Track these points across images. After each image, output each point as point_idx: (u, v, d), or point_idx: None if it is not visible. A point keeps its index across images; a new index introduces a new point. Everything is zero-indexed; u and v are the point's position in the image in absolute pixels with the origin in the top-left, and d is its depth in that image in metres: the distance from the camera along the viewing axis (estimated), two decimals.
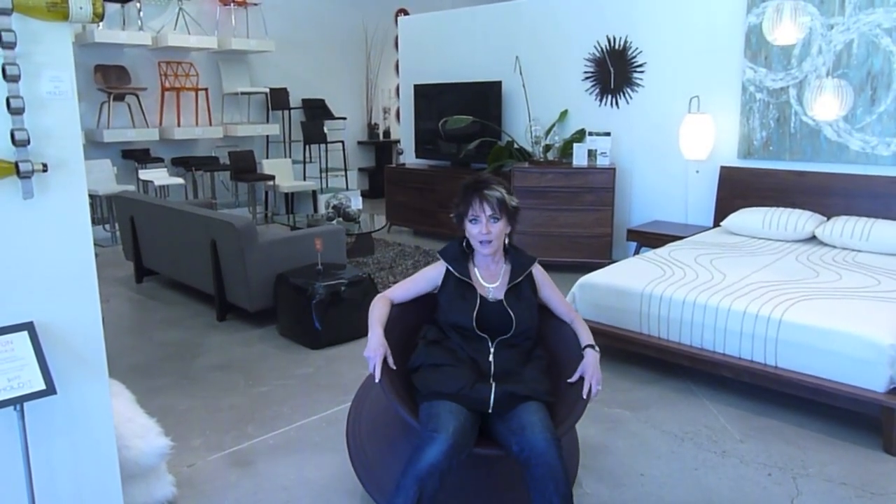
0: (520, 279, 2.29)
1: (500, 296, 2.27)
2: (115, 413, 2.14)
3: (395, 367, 2.16)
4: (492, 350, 2.21)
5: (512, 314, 2.23)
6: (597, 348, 2.30)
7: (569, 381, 2.24)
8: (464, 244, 2.33)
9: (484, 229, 2.18)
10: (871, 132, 4.40)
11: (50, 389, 1.73)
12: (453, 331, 2.26)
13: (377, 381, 2.10)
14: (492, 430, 2.11)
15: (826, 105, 4.10)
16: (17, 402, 1.69)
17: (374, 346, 2.15)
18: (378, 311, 2.27)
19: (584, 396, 2.16)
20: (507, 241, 2.33)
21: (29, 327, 1.77)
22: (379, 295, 2.37)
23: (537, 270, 2.39)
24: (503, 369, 2.18)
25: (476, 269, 2.31)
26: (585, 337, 2.33)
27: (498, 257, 2.31)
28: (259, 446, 2.87)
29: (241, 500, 2.49)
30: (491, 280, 2.30)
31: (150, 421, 2.44)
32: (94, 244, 1.97)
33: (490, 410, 2.07)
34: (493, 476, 2.23)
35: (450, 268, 2.29)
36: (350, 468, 2.43)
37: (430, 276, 2.35)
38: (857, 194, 4.43)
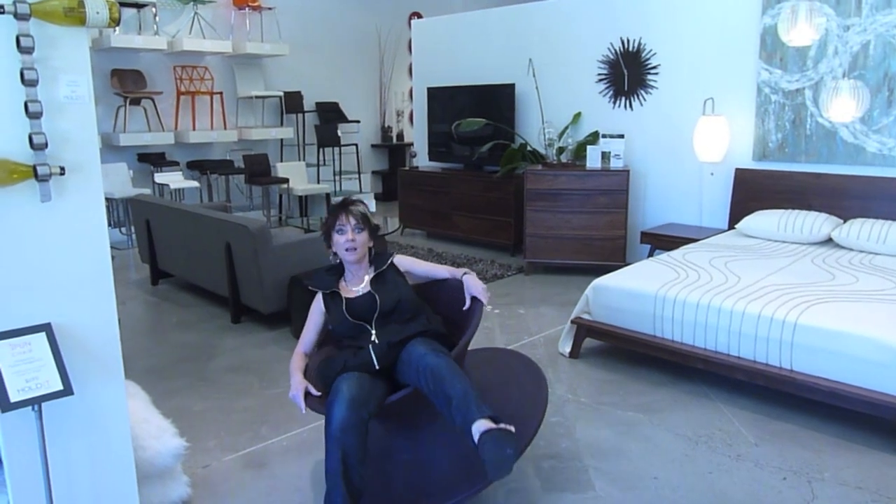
0: (382, 268, 2.56)
1: (368, 288, 2.51)
2: (131, 414, 2.16)
3: (318, 394, 2.34)
4: (373, 331, 2.41)
5: (376, 294, 2.47)
6: (470, 272, 2.62)
7: (464, 308, 2.55)
8: (332, 262, 2.60)
9: (349, 236, 2.46)
10: (888, 134, 4.36)
11: (67, 390, 1.75)
12: (343, 339, 2.47)
13: (303, 410, 2.31)
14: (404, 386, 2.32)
15: (842, 106, 4.06)
16: (35, 402, 1.71)
17: (294, 386, 2.36)
18: (294, 364, 2.48)
19: (485, 302, 2.52)
20: (371, 253, 2.59)
21: (46, 328, 1.79)
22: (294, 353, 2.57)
23: (398, 258, 2.65)
24: (386, 338, 2.38)
25: (345, 281, 2.58)
26: (461, 272, 2.64)
27: (364, 264, 2.56)
28: (273, 448, 2.88)
29: (255, 501, 2.51)
30: (358, 284, 2.55)
31: (165, 422, 2.46)
32: (111, 247, 1.99)
33: (377, 367, 2.30)
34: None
35: (322, 291, 2.54)
36: None
37: (317, 308, 2.56)
38: (873, 196, 4.39)
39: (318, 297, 2.56)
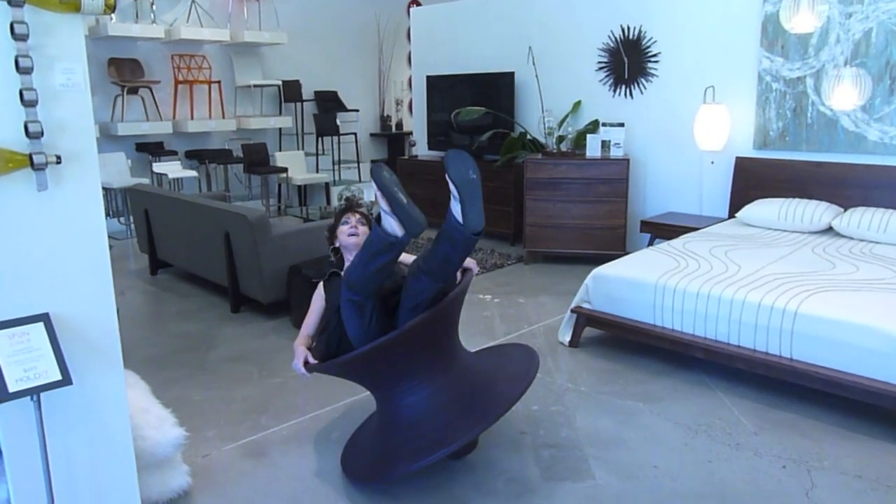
0: None
1: None
2: (131, 404, 2.16)
3: (315, 361, 2.52)
4: None
5: None
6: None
7: (455, 282, 2.70)
8: (331, 258, 2.85)
9: (353, 223, 2.76)
10: (889, 122, 4.34)
11: (66, 380, 1.74)
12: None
13: (302, 373, 2.52)
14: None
15: (844, 95, 4.04)
16: (34, 392, 1.71)
17: (297, 356, 2.55)
18: (298, 341, 2.65)
19: (475, 272, 2.72)
20: None
21: (45, 318, 1.79)
22: None
23: None
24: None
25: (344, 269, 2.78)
26: None
27: None
28: (273, 437, 2.88)
29: (255, 490, 2.51)
30: None
31: (165, 412, 2.46)
32: (109, 237, 1.98)
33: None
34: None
35: (324, 280, 2.74)
36: None
37: (318, 294, 2.75)
38: (874, 185, 4.37)
39: (320, 285, 2.75)
